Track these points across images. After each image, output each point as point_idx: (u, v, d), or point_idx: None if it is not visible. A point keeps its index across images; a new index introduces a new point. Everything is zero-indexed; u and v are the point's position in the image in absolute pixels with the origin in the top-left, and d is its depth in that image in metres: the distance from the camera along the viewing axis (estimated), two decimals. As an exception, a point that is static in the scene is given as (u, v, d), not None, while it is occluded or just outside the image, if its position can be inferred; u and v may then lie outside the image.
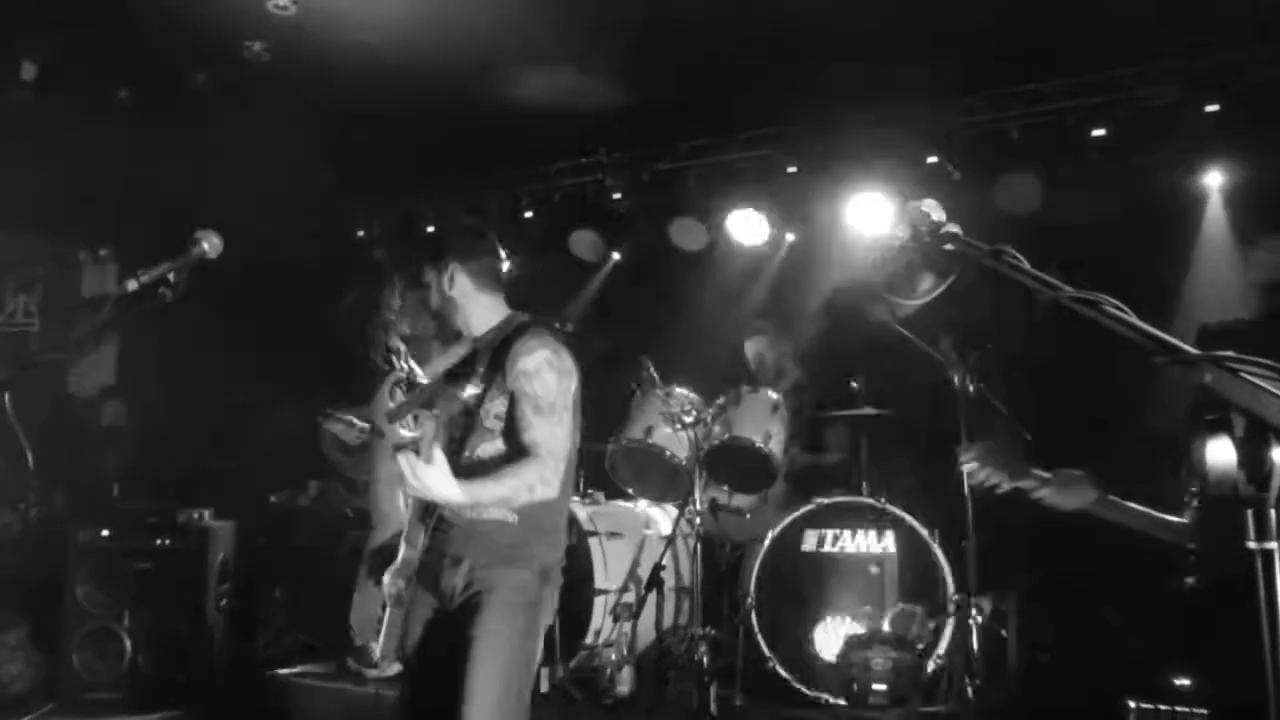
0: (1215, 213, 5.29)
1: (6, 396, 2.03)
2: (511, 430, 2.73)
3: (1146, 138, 5.20)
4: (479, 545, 2.73)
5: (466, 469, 2.69)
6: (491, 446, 2.77)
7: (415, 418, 2.72)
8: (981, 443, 2.66)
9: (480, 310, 2.92)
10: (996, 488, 2.59)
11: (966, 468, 2.64)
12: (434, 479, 2.46)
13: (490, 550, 2.72)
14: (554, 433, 2.69)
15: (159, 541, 5.48)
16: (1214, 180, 5.29)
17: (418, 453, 2.46)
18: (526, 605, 2.70)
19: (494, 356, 2.81)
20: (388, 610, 2.74)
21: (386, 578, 2.76)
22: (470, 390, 2.80)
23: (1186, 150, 5.21)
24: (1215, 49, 4.92)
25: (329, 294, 7.43)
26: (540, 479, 2.64)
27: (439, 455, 2.48)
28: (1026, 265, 1.64)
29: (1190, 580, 2.71)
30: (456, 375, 2.92)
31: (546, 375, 2.71)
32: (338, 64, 5.05)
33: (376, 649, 2.81)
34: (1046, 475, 2.58)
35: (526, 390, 2.69)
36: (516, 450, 2.70)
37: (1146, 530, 2.60)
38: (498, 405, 2.75)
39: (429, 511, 2.75)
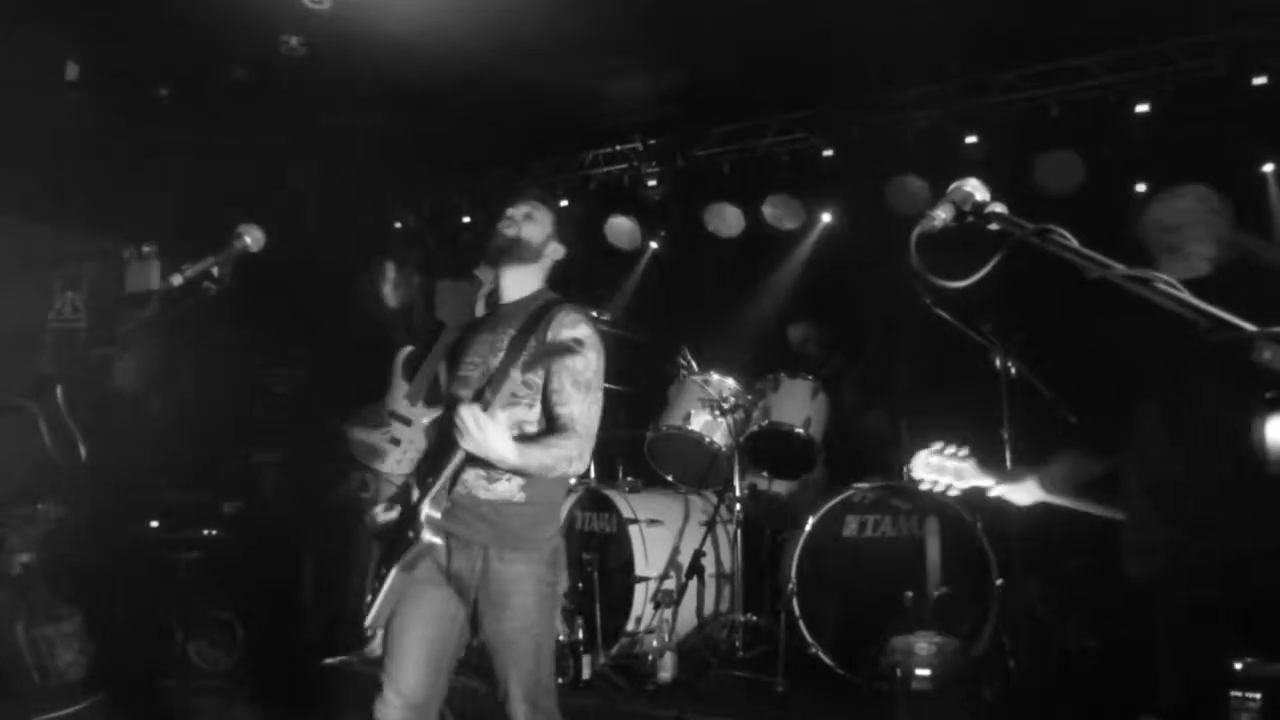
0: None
1: (59, 390, 2.05)
2: (547, 400, 2.67)
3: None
4: (488, 529, 2.65)
5: None
6: (517, 413, 2.66)
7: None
8: (931, 450, 2.72)
9: (515, 276, 2.85)
10: (949, 489, 2.70)
11: (918, 472, 2.74)
12: (494, 434, 2.39)
13: (500, 537, 2.64)
14: (590, 410, 2.65)
15: (206, 532, 5.58)
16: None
17: (485, 407, 2.44)
18: (547, 594, 2.69)
19: (525, 325, 2.71)
20: (385, 581, 2.59)
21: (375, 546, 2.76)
22: (493, 355, 2.72)
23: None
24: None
25: (365, 284, 7.47)
26: (578, 454, 2.60)
27: (500, 413, 2.45)
28: (1075, 243, 1.60)
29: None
30: (473, 338, 2.86)
31: (589, 353, 2.63)
32: (374, 56, 5.08)
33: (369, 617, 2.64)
34: (996, 478, 2.73)
35: (569, 363, 2.61)
36: (552, 421, 2.65)
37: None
38: (528, 374, 2.60)
39: (425, 483, 2.64)
